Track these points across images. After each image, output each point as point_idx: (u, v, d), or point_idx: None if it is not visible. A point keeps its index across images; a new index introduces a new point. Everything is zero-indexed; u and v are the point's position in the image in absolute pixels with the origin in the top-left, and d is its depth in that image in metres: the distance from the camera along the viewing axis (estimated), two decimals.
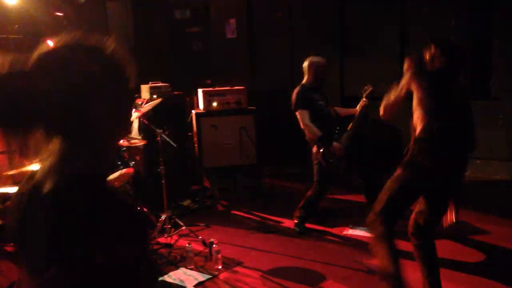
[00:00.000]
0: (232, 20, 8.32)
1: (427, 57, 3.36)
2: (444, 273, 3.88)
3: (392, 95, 3.37)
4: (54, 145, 1.17)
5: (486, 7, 6.04)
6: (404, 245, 4.03)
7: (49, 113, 1.12)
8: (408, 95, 3.29)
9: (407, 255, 4.12)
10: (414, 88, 3.25)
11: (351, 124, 4.85)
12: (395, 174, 3.31)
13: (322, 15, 7.31)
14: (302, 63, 5.00)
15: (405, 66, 3.36)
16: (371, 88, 4.83)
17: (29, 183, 1.19)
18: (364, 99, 4.85)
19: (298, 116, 4.81)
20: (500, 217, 5.04)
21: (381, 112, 3.45)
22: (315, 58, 4.90)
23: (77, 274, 1.08)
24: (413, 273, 3.86)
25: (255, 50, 8.15)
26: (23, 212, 1.18)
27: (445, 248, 4.33)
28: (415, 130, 3.28)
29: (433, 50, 3.32)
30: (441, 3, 6.31)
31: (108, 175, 1.31)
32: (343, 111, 5.15)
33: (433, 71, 3.32)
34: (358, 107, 4.89)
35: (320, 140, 4.69)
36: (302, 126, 4.81)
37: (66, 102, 1.13)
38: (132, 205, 1.19)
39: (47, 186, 1.12)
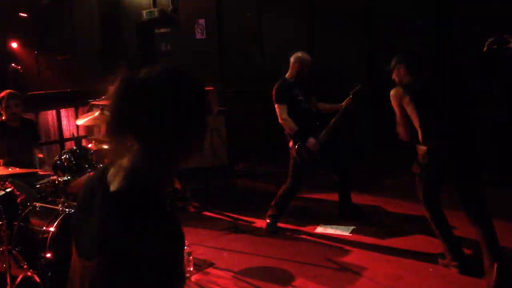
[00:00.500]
0: (201, 21, 8.28)
1: (397, 76, 3.87)
2: (421, 266, 3.96)
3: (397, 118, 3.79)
4: (132, 153, 1.33)
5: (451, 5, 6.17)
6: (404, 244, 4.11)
7: (147, 127, 1.30)
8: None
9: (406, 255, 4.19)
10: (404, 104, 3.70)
11: (332, 120, 4.88)
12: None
13: (291, 15, 7.35)
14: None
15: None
16: (359, 86, 4.87)
17: (100, 178, 1.36)
18: (350, 95, 4.88)
19: (277, 110, 4.81)
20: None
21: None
22: (301, 55, 4.90)
23: (121, 265, 1.21)
24: (411, 275, 3.94)
25: (225, 51, 8.14)
26: (89, 202, 1.36)
27: (420, 243, 4.42)
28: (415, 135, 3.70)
29: (400, 68, 3.84)
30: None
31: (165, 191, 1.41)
32: (326, 107, 5.12)
33: (410, 85, 3.74)
34: (343, 103, 4.93)
35: (296, 135, 4.71)
36: (280, 120, 4.80)
37: (161, 119, 1.30)
38: (177, 218, 1.32)
39: (116, 185, 1.29)
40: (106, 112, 4.58)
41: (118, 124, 1.33)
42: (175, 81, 1.37)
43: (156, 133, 1.31)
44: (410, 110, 3.68)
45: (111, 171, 1.35)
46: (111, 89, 1.44)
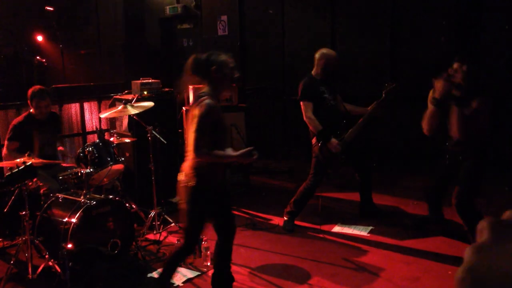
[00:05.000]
0: (224, 17, 8.31)
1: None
2: (440, 268, 3.94)
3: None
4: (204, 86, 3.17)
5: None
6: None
7: (206, 73, 3.19)
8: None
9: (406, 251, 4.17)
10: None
11: (360, 120, 4.82)
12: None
13: (313, 11, 7.32)
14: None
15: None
16: (394, 85, 4.76)
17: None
18: (383, 95, 4.76)
19: (302, 107, 4.78)
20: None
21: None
22: (326, 51, 4.85)
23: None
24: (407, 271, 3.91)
25: (246, 47, 8.16)
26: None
27: (440, 245, 4.38)
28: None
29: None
30: None
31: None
32: (351, 108, 5.02)
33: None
34: (369, 108, 4.85)
35: (319, 134, 4.69)
36: (304, 118, 4.77)
37: (209, 72, 3.20)
38: None
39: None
40: (129, 107, 4.64)
41: (194, 71, 3.17)
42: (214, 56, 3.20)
43: (209, 75, 3.15)
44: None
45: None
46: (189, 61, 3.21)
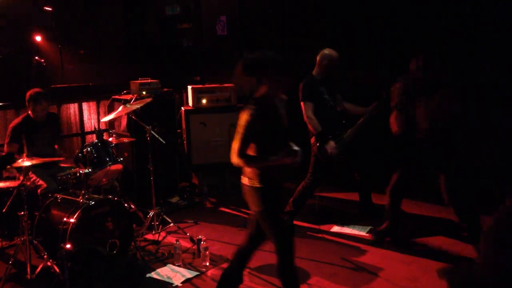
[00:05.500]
0: (223, 17, 8.31)
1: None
2: (439, 267, 3.93)
3: None
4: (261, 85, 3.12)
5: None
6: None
7: (262, 73, 3.12)
8: None
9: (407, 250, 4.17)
10: None
11: (359, 120, 4.82)
12: None
13: (314, 12, 7.31)
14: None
15: None
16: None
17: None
18: (383, 95, 4.67)
19: (303, 107, 4.78)
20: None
21: None
22: (328, 52, 4.85)
23: None
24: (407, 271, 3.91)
25: (246, 48, 8.14)
26: None
27: (440, 244, 4.39)
28: None
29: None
30: None
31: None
32: (351, 108, 5.03)
33: None
34: (369, 107, 4.84)
35: (318, 135, 4.69)
36: (305, 118, 4.77)
37: (265, 71, 3.10)
38: None
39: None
40: (129, 106, 4.64)
41: (249, 72, 3.08)
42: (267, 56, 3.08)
43: (265, 76, 3.04)
44: None
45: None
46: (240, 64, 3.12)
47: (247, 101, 3.09)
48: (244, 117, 3.00)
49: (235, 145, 3.01)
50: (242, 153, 3.00)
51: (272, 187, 3.13)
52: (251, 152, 3.05)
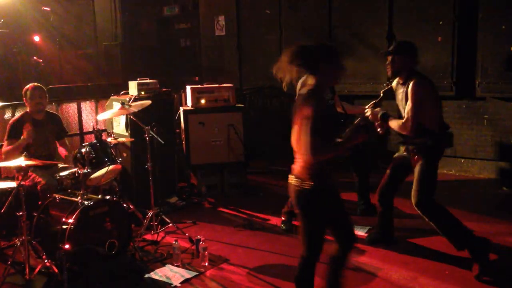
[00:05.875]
0: (221, 17, 8.31)
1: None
2: (438, 268, 3.94)
3: None
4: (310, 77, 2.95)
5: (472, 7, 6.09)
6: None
7: (312, 65, 2.92)
8: None
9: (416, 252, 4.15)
10: None
11: (357, 120, 4.80)
12: None
13: (311, 11, 7.32)
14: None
15: None
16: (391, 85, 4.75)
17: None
18: (381, 95, 4.71)
19: None
20: (481, 214, 5.12)
21: None
22: None
23: None
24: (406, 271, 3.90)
25: (243, 47, 8.15)
26: None
27: (439, 244, 4.39)
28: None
29: None
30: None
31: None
32: (349, 108, 5.04)
33: None
34: (366, 107, 4.83)
35: None
36: None
37: (316, 62, 2.90)
38: None
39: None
40: (127, 106, 4.63)
41: (298, 63, 2.82)
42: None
43: (317, 67, 2.85)
44: None
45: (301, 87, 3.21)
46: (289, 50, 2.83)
47: (307, 93, 2.89)
48: (310, 110, 2.77)
49: (306, 142, 2.77)
50: (318, 147, 2.76)
51: (326, 189, 2.92)
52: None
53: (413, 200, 3.96)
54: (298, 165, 2.93)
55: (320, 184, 2.87)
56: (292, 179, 2.97)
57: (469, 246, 3.83)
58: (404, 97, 3.95)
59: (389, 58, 3.99)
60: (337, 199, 3.06)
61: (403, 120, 3.90)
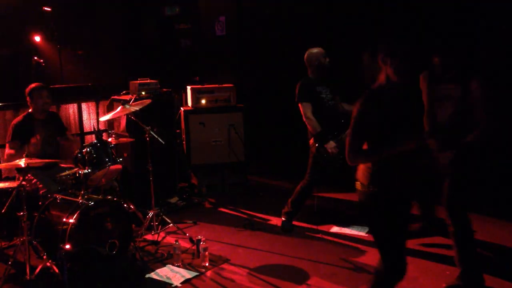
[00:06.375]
0: (222, 18, 8.31)
1: None
2: (438, 268, 3.94)
3: None
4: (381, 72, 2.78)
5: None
6: None
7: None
8: None
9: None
10: None
11: None
12: None
13: (311, 12, 7.32)
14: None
15: None
16: None
17: None
18: None
19: (301, 109, 4.78)
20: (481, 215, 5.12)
21: None
22: (312, 50, 4.85)
23: None
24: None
25: (245, 48, 8.15)
26: None
27: (439, 244, 4.39)
28: None
29: None
30: None
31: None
32: (349, 108, 5.04)
33: None
34: None
35: (317, 136, 4.69)
36: (304, 119, 4.77)
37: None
38: None
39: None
40: (128, 107, 4.65)
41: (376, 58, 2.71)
42: None
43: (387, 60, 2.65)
44: None
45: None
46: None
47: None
48: (355, 109, 2.67)
49: (347, 141, 2.69)
50: (353, 148, 2.64)
51: (390, 194, 2.65)
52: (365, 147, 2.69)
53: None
54: (361, 167, 2.76)
55: (382, 189, 2.63)
56: (357, 184, 2.78)
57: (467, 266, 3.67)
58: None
59: None
60: (406, 208, 2.74)
61: None
